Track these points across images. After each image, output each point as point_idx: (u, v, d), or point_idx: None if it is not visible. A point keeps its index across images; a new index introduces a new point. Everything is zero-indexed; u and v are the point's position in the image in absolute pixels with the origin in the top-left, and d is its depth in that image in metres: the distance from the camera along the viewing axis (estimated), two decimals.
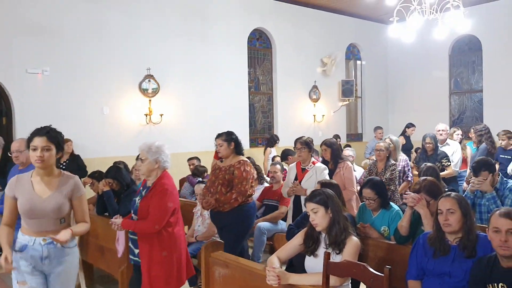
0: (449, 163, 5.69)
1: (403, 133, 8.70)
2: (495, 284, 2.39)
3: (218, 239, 3.37)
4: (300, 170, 4.61)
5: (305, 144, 4.55)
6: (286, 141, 8.62)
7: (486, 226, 3.09)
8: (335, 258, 2.67)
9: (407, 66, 11.16)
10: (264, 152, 8.36)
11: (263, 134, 9.61)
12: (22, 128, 6.25)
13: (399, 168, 5.40)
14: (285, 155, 7.20)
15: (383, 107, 11.73)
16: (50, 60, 6.62)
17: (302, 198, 4.42)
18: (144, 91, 7.47)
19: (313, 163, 4.57)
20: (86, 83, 6.91)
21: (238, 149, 4.18)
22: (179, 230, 3.29)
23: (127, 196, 4.23)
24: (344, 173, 4.75)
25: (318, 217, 2.76)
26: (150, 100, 7.50)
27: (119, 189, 4.36)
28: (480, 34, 9.78)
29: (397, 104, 11.59)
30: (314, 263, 2.80)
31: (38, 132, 2.65)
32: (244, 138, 8.34)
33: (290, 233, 3.70)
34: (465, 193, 4.15)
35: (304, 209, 4.15)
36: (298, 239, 2.92)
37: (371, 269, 2.25)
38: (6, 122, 6.63)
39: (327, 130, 10.13)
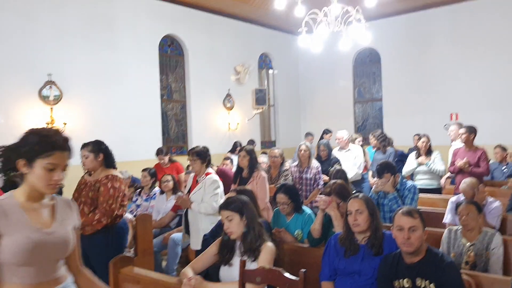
0: (340, 166, 5.92)
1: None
2: (401, 280, 2.53)
3: (128, 254, 3.17)
4: (195, 181, 4.38)
5: (196, 155, 4.27)
6: None
7: (390, 225, 3.28)
8: (251, 265, 2.64)
9: (317, 75, 11.69)
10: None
11: (177, 143, 9.40)
12: None
13: (310, 176, 5.52)
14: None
15: (296, 114, 12.14)
16: None
17: (190, 211, 4.24)
18: (44, 99, 6.90)
19: (206, 174, 4.27)
20: None
21: (108, 162, 3.68)
22: None
23: None
24: (257, 183, 4.67)
25: (233, 224, 2.72)
26: (51, 108, 6.95)
27: None
28: (379, 47, 10.58)
29: (308, 112, 12.07)
30: (229, 273, 2.75)
31: None
32: (157, 147, 8.06)
33: (205, 243, 3.62)
34: (370, 194, 4.40)
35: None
36: (212, 249, 2.86)
37: (287, 274, 2.26)
38: None
39: (242, 137, 10.19)
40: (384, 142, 6.61)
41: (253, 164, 4.82)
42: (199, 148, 4.33)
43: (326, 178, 5.67)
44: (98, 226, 3.50)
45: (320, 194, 3.67)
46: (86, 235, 3.43)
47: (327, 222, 3.42)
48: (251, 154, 4.85)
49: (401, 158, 6.70)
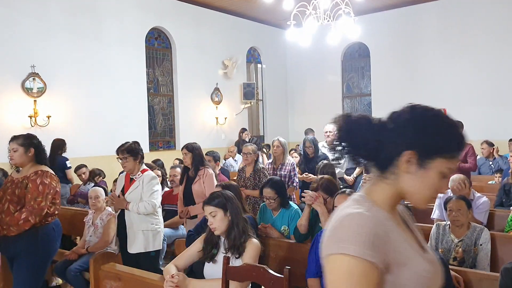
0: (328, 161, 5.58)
1: (240, 140, 9.26)
2: None
3: (112, 250, 3.09)
4: (129, 180, 3.97)
5: (127, 152, 3.85)
6: None
7: None
8: (235, 262, 2.58)
9: (305, 70, 11.63)
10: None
11: (164, 137, 9.28)
12: None
13: (285, 173, 5.16)
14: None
15: (284, 109, 12.08)
16: None
17: (126, 212, 3.86)
18: (28, 91, 6.73)
19: (142, 171, 3.91)
20: None
21: (39, 157, 3.39)
22: None
23: None
24: (204, 181, 4.35)
25: (217, 220, 2.65)
26: (35, 101, 6.78)
27: None
28: (368, 41, 10.55)
29: (296, 107, 12.01)
30: (213, 270, 2.68)
31: None
32: (143, 141, 7.95)
33: (189, 240, 3.54)
34: (358, 189, 4.35)
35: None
36: (196, 245, 2.78)
37: (271, 271, 2.19)
38: None
39: (230, 132, 10.12)
40: (317, 149, 6.20)
41: (198, 161, 4.44)
42: (129, 144, 3.91)
43: (313, 177, 5.09)
44: (25, 226, 3.15)
45: (308, 189, 3.61)
46: (11, 236, 3.15)
47: (314, 217, 3.37)
48: (194, 151, 4.46)
49: None
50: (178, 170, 5.58)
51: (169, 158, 7.91)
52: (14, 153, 3.33)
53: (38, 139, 3.46)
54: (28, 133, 3.48)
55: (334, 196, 2.93)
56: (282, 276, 2.12)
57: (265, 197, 3.69)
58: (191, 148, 4.48)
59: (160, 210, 4.01)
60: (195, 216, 4.30)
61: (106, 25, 7.84)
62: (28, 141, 3.37)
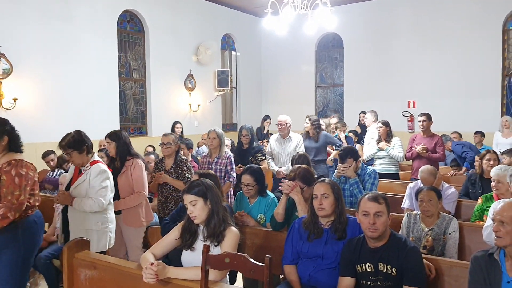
0: (263, 158, 5.27)
1: (262, 126, 9.40)
2: (363, 264, 2.55)
3: (84, 238, 3.02)
4: (77, 173, 3.58)
5: (68, 147, 3.42)
6: (160, 131, 8.29)
7: (352, 209, 3.31)
8: (214, 250, 2.58)
9: (280, 59, 11.63)
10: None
11: (135, 123, 9.11)
12: None
13: (220, 167, 4.74)
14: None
15: (257, 98, 12.07)
16: None
17: (70, 208, 3.49)
18: None
19: (91, 163, 3.49)
20: None
21: (13, 145, 3.04)
22: None
23: None
24: (132, 173, 3.94)
25: (197, 209, 2.63)
26: (0, 82, 6.50)
27: None
28: (342, 32, 10.64)
29: (270, 95, 12.03)
30: (191, 257, 2.68)
31: None
32: (114, 127, 7.75)
33: (165, 228, 3.52)
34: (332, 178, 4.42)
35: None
36: (174, 233, 2.77)
37: (252, 260, 2.21)
38: None
39: (203, 119, 10.03)
40: (318, 129, 6.00)
41: (124, 151, 4.02)
42: (70, 137, 3.45)
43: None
44: (3, 223, 2.86)
45: (285, 178, 3.64)
46: None
47: (290, 206, 3.41)
48: (118, 140, 4.01)
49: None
50: (152, 157, 5.54)
51: (140, 144, 7.78)
52: None
53: (10, 124, 3.09)
54: (0, 118, 3.09)
55: (312, 185, 2.97)
56: (263, 264, 2.13)
57: (243, 184, 3.69)
58: (115, 137, 4.03)
59: (111, 207, 3.60)
60: (119, 212, 3.89)
61: (76, 5, 7.56)
62: (1, 129, 3.00)
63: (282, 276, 3.27)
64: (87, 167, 3.48)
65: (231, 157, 4.87)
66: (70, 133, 3.51)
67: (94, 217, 3.45)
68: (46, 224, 5.38)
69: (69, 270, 2.83)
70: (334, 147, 6.34)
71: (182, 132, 8.24)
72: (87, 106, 7.62)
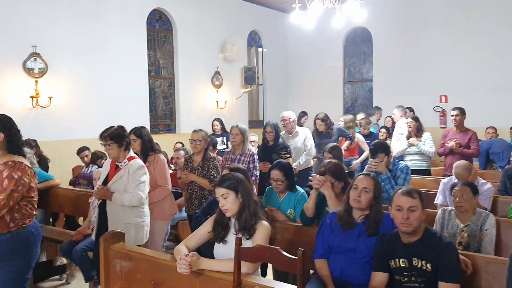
0: (288, 156, 5.11)
1: (299, 124, 8.57)
2: (397, 259, 2.52)
3: (120, 230, 3.09)
4: (114, 168, 3.66)
5: (110, 138, 3.52)
6: (188, 128, 8.39)
7: (383, 205, 3.27)
8: (245, 243, 2.60)
9: (306, 54, 11.55)
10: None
11: (165, 120, 9.25)
12: None
13: (244, 165, 4.53)
14: None
15: (284, 94, 12.04)
16: None
17: (109, 203, 3.57)
18: (29, 71, 6.65)
19: (129, 159, 3.60)
20: None
21: (11, 146, 2.82)
22: None
23: None
24: (155, 167, 4.04)
25: (228, 202, 2.66)
26: (36, 81, 6.71)
27: None
28: (371, 27, 10.47)
29: (296, 91, 11.97)
30: (223, 250, 2.71)
31: None
32: (144, 124, 7.90)
33: (196, 222, 3.57)
34: None
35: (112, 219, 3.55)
36: (207, 227, 2.80)
37: (284, 253, 2.22)
38: None
39: (230, 116, 10.08)
40: (330, 125, 6.05)
41: (147, 147, 4.11)
42: (113, 129, 3.56)
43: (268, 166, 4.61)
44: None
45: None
46: None
47: (321, 201, 3.39)
48: (143, 136, 4.11)
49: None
50: (182, 152, 5.60)
51: (169, 141, 7.91)
52: None
53: (12, 122, 2.88)
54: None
55: (355, 176, 2.95)
56: (296, 257, 2.14)
57: (272, 179, 3.70)
58: (139, 134, 4.11)
59: (146, 202, 3.71)
60: None
61: (107, 6, 7.73)
62: None
63: (313, 271, 3.27)
64: (124, 162, 3.58)
65: (254, 155, 4.77)
66: (113, 126, 3.62)
67: (132, 212, 3.56)
68: (81, 218, 5.59)
69: (105, 261, 2.91)
70: (345, 139, 6.39)
71: (222, 128, 8.11)
72: (119, 104, 7.78)
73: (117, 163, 3.62)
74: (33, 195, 2.88)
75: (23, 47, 6.58)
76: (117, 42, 7.88)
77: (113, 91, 7.78)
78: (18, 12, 6.55)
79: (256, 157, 4.79)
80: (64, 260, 4.90)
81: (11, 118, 2.90)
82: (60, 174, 5.88)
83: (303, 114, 9.64)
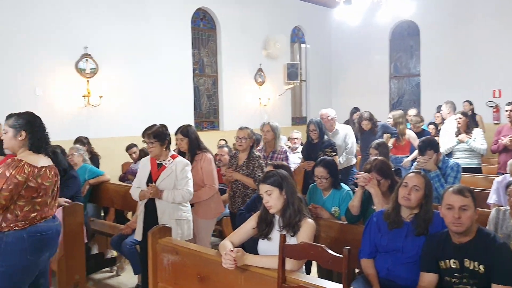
0: (334, 154, 4.97)
1: (351, 120, 8.29)
2: (447, 260, 2.43)
3: (166, 225, 3.18)
4: (156, 166, 3.69)
5: (153, 137, 3.57)
6: (232, 125, 8.48)
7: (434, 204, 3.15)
8: (290, 240, 2.60)
9: (350, 50, 11.36)
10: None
11: (209, 118, 9.40)
12: None
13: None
14: None
15: (327, 90, 11.90)
16: None
17: (158, 201, 3.61)
18: (81, 71, 6.98)
19: (172, 157, 3.68)
20: (16, 62, 6.31)
21: (34, 144, 2.77)
22: None
23: (65, 182, 3.92)
24: (202, 166, 4.04)
25: (273, 199, 2.67)
26: (88, 81, 7.02)
27: None
28: (418, 20, 10.13)
29: (340, 88, 11.79)
30: (267, 247, 2.72)
31: None
32: (189, 122, 8.07)
33: (240, 218, 3.61)
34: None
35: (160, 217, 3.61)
36: (251, 223, 2.82)
37: (330, 251, 2.19)
38: None
39: (273, 113, 10.09)
40: (374, 123, 5.97)
41: (195, 146, 4.12)
42: (156, 128, 3.61)
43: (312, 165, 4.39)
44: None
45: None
46: None
47: (366, 199, 3.33)
48: (190, 135, 4.12)
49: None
50: (226, 149, 5.67)
51: (213, 138, 8.01)
52: (5, 136, 2.72)
53: (36, 120, 2.79)
54: (24, 112, 2.79)
55: (406, 174, 2.88)
56: (341, 256, 2.11)
57: (316, 177, 3.67)
58: (186, 132, 4.13)
59: (190, 197, 3.76)
60: (192, 205, 3.96)
61: (153, 6, 7.95)
62: (20, 122, 2.71)
63: (358, 270, 3.22)
64: (169, 160, 3.65)
65: (286, 152, 4.72)
66: (156, 124, 3.68)
67: (181, 208, 3.68)
68: (130, 213, 5.79)
69: (153, 255, 3.00)
70: (390, 135, 6.17)
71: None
72: (165, 102, 7.99)
73: (158, 161, 3.67)
74: (35, 196, 2.66)
75: (75, 49, 6.90)
76: (163, 42, 8.08)
77: (159, 89, 7.99)
78: (69, 16, 6.86)
79: (288, 155, 4.74)
80: (115, 253, 5.09)
81: (37, 116, 2.82)
82: (110, 170, 6.11)
83: (355, 110, 9.15)
